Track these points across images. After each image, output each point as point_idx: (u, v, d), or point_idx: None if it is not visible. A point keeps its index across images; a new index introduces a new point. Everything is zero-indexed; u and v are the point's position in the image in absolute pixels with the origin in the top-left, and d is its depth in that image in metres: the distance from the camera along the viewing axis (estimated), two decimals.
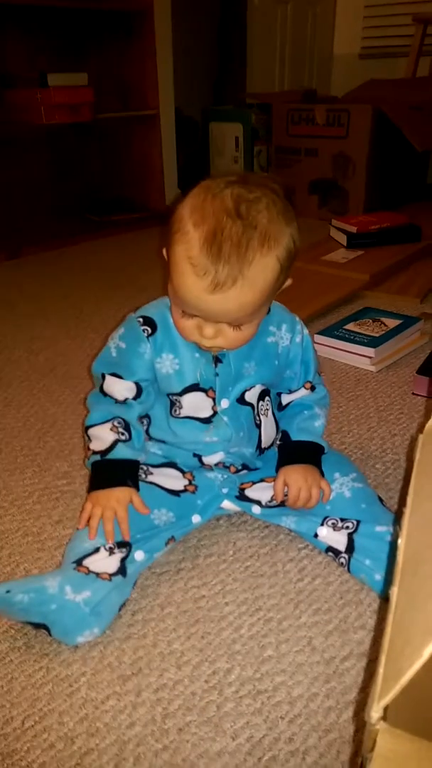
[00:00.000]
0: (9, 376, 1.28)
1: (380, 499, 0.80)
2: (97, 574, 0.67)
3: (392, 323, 1.33)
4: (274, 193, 0.64)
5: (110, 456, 0.74)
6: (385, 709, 0.28)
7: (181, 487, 0.81)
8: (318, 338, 1.32)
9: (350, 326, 1.33)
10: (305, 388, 0.83)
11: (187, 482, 0.81)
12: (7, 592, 0.63)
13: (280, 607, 0.72)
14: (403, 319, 1.35)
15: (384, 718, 0.29)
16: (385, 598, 0.72)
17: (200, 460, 0.81)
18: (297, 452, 0.80)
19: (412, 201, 2.48)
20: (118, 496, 0.73)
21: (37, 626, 0.66)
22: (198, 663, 0.65)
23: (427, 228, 1.93)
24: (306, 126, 2.41)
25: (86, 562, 0.68)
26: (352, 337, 1.28)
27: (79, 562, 0.68)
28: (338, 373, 1.26)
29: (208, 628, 0.69)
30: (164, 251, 0.69)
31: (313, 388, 0.83)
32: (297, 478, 0.77)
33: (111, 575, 0.68)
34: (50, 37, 2.21)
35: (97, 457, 0.75)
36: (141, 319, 0.75)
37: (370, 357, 1.25)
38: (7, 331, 1.50)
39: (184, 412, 0.78)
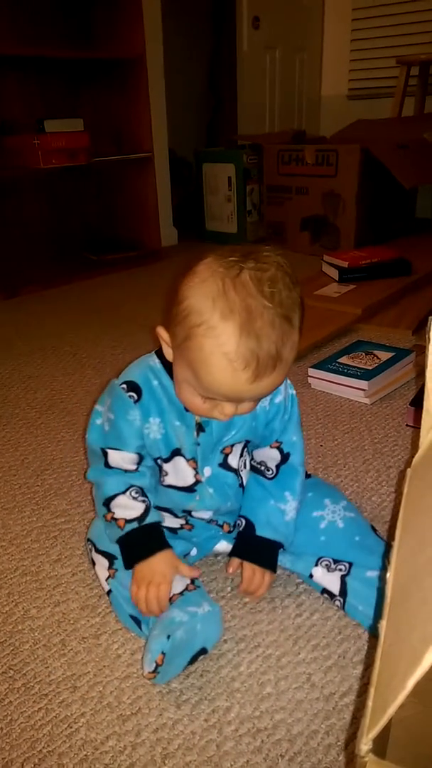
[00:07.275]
0: (7, 414, 1.29)
1: (373, 528, 0.81)
2: (190, 591, 0.71)
3: (385, 356, 1.35)
4: (281, 258, 0.61)
5: (146, 521, 0.73)
6: (376, 741, 0.29)
7: (178, 525, 0.81)
8: (312, 372, 1.34)
9: (344, 359, 1.35)
10: (272, 447, 0.79)
11: (183, 521, 0.81)
12: (168, 637, 0.63)
13: (278, 644, 0.72)
14: (396, 351, 1.37)
15: (379, 752, 0.30)
16: (374, 635, 0.72)
17: (190, 514, 0.81)
18: (258, 551, 0.78)
19: (402, 235, 2.54)
20: (163, 570, 0.72)
21: (194, 659, 0.67)
22: (197, 702, 0.65)
23: (417, 262, 1.97)
24: (296, 166, 2.49)
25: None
26: (345, 371, 1.30)
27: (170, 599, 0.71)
28: (332, 406, 1.27)
29: (207, 666, 0.69)
30: (161, 331, 0.67)
31: (284, 455, 0.79)
32: (250, 567, 0.78)
33: (193, 583, 0.73)
34: (47, 84, 2.29)
35: (135, 524, 0.73)
36: (125, 386, 0.72)
37: (363, 390, 1.27)
38: (4, 370, 1.52)
39: (168, 480, 0.77)
